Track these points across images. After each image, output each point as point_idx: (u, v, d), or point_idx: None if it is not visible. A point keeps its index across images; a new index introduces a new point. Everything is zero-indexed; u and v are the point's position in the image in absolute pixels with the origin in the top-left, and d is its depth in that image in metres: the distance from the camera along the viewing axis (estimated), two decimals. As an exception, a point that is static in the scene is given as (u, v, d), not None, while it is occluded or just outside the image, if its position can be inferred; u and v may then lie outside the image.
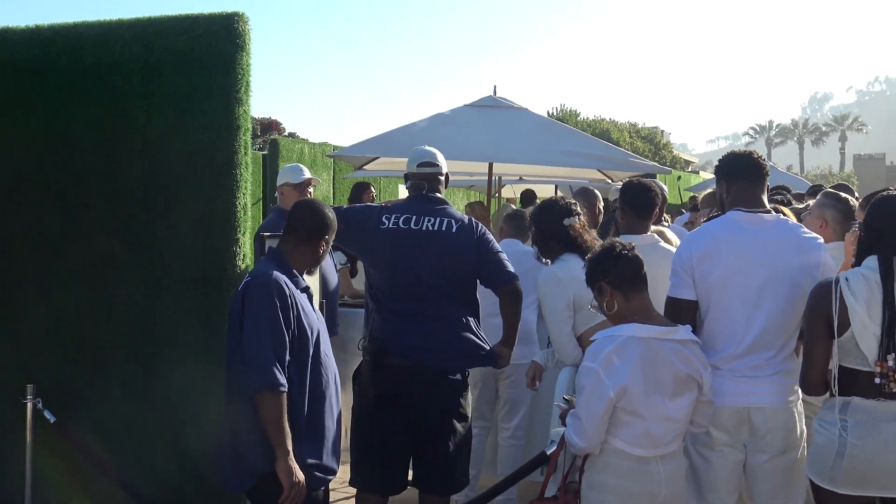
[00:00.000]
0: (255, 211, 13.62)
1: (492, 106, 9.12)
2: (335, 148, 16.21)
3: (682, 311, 3.91)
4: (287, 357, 3.68)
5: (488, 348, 4.79)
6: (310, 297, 3.96)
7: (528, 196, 14.53)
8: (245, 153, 4.66)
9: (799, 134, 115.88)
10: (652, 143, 50.31)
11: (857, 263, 3.62)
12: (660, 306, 4.54)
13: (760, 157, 4.11)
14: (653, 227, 5.41)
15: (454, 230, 4.75)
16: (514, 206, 14.67)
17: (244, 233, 4.68)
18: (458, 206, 20.49)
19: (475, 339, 4.77)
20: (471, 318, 4.80)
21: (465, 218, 4.88)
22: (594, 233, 4.79)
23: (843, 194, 5.45)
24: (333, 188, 16.70)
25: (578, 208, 4.76)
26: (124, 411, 4.78)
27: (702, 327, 3.94)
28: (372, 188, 8.85)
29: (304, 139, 15.42)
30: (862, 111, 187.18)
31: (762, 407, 3.83)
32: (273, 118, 30.84)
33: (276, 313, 3.65)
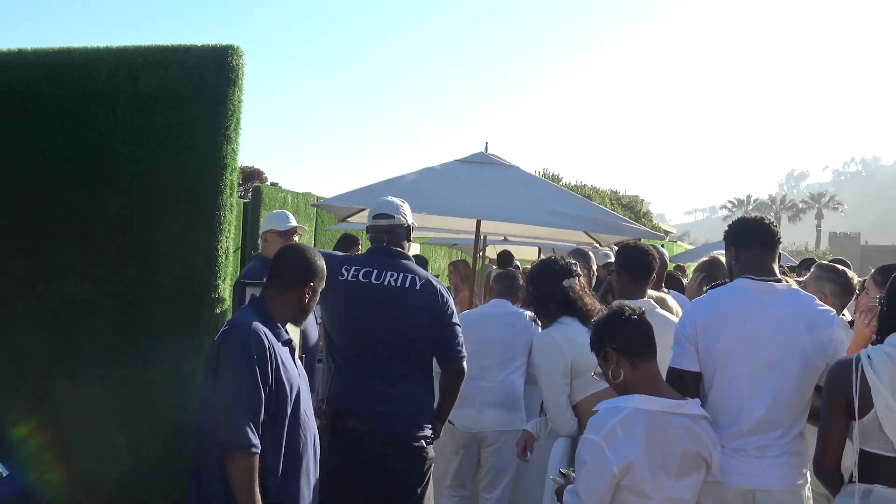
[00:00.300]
0: (234, 260, 13.34)
1: (482, 162, 8.96)
2: (319, 199, 15.99)
3: (685, 383, 3.66)
4: (262, 415, 3.39)
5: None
6: (292, 351, 3.68)
7: (505, 257, 14.27)
8: (231, 194, 4.42)
9: (776, 210, 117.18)
10: (632, 211, 50.48)
11: (879, 340, 3.39)
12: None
13: (772, 223, 3.90)
14: (653, 293, 5.21)
15: (417, 288, 4.55)
16: (495, 267, 14.45)
17: (224, 279, 4.41)
18: (439, 264, 20.29)
19: (430, 409, 4.62)
20: (428, 383, 4.64)
21: (430, 277, 4.69)
22: (594, 295, 4.54)
23: (841, 267, 5.27)
24: (315, 240, 16.41)
25: (578, 269, 4.53)
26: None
27: (705, 401, 3.70)
28: (360, 242, 8.62)
29: (287, 189, 15.15)
30: (837, 190, 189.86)
31: (769, 489, 3.56)
32: (255, 167, 30.65)
33: (253, 367, 3.37)
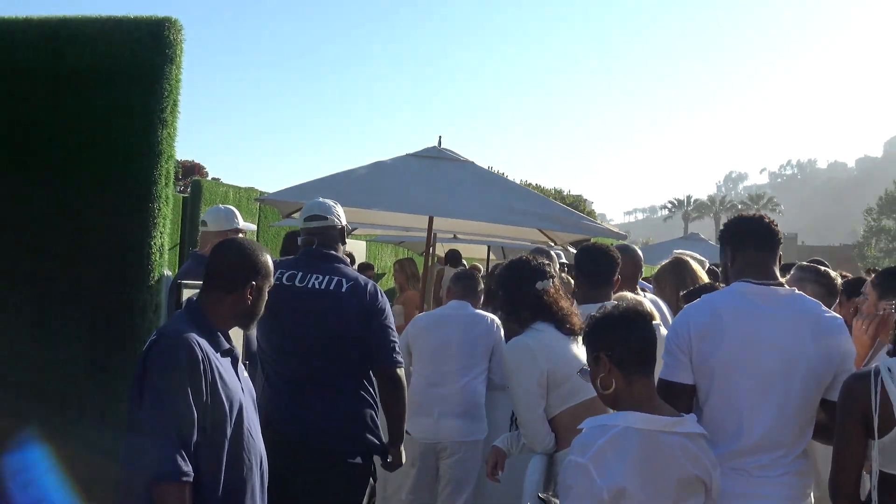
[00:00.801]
0: (171, 258, 12.73)
1: (436, 157, 8.57)
2: (263, 193, 15.42)
3: (677, 398, 3.28)
4: (195, 437, 2.93)
5: (381, 440, 4.35)
6: (234, 361, 3.23)
7: (453, 256, 13.89)
8: (166, 184, 3.95)
9: (716, 210, 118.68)
10: (576, 210, 50.45)
11: None
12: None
13: (773, 221, 3.55)
14: (629, 296, 4.85)
15: (343, 290, 4.28)
16: (447, 266, 14.05)
17: (158, 279, 3.94)
18: (386, 262, 19.82)
19: (370, 421, 4.29)
20: (366, 395, 4.29)
21: (362, 279, 4.40)
22: (569, 299, 4.16)
23: (824, 269, 4.96)
24: (258, 237, 15.82)
25: (552, 270, 4.15)
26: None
27: (699, 417, 3.33)
28: (307, 239, 8.16)
29: (228, 183, 14.58)
30: (774, 192, 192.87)
31: None
32: (195, 161, 29.82)
33: (184, 383, 2.91)
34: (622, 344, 2.99)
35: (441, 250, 15.34)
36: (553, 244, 10.42)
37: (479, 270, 13.33)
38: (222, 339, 3.14)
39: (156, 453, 2.85)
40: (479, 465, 5.60)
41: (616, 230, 8.38)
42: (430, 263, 9.30)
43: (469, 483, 5.56)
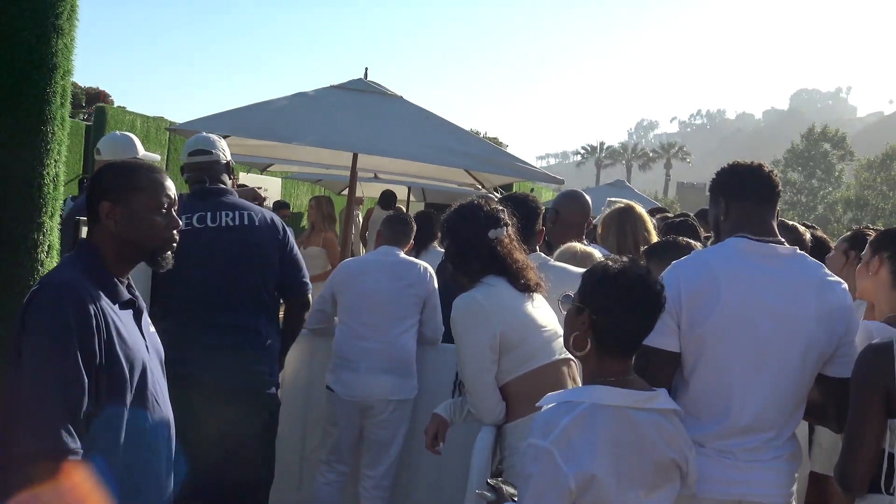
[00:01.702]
0: (70, 191, 11.89)
1: (362, 90, 8.03)
2: (171, 124, 14.58)
3: (660, 367, 2.90)
4: (84, 407, 2.42)
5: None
6: (137, 314, 2.70)
7: (387, 197, 13.37)
8: (62, 104, 3.36)
9: (628, 158, 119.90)
10: (493, 153, 49.99)
11: None
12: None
13: (773, 171, 3.16)
14: (579, 247, 4.46)
15: (257, 223, 4.33)
16: (372, 208, 13.54)
17: (52, 214, 3.37)
18: (302, 201, 19.15)
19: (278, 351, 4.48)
20: (276, 326, 4.46)
21: (262, 211, 4.47)
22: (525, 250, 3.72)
23: (791, 223, 4.64)
24: (167, 169, 15.02)
25: (507, 217, 3.70)
26: None
27: (684, 390, 2.96)
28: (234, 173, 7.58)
29: (135, 112, 13.69)
30: (684, 141, 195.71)
31: (759, 501, 2.88)
32: (100, 88, 28.36)
33: (71, 342, 2.38)
34: (614, 317, 2.55)
35: (360, 190, 14.79)
36: (481, 187, 10.01)
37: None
38: (121, 287, 2.61)
39: (35, 428, 2.34)
40: (406, 426, 5.20)
41: (553, 175, 7.98)
42: (353, 203, 8.77)
43: (395, 445, 5.16)
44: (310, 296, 4.57)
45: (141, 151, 5.35)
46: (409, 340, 5.19)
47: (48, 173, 3.31)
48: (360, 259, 5.59)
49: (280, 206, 10.80)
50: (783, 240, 3.07)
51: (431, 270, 5.39)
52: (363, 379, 5.07)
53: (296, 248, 4.51)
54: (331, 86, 8.04)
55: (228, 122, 7.38)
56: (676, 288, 2.92)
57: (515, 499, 2.61)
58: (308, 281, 4.55)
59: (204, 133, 4.67)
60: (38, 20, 3.25)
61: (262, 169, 12.81)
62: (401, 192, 15.29)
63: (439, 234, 5.30)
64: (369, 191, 13.91)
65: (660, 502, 2.57)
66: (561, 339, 3.50)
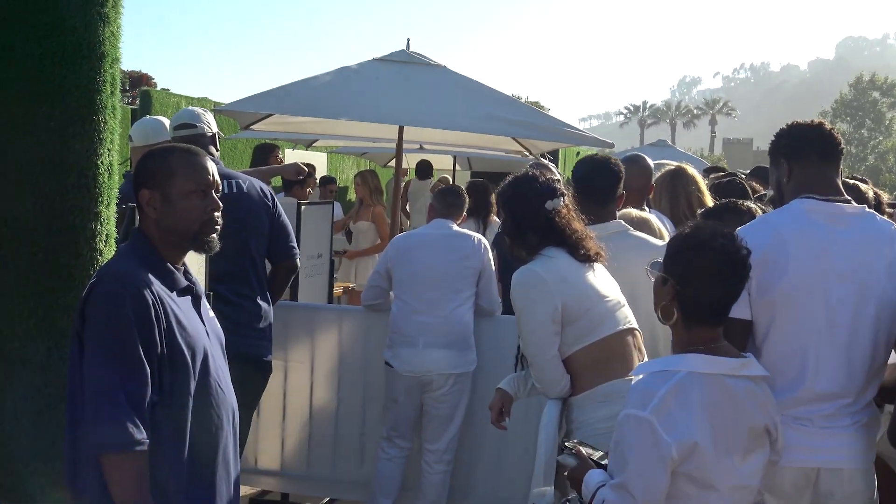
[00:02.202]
0: (119, 179, 11.93)
1: (405, 62, 7.94)
2: (216, 104, 14.59)
3: (731, 335, 2.82)
4: (147, 397, 2.42)
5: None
6: (196, 300, 2.68)
7: (424, 168, 13.29)
8: (112, 92, 3.34)
9: (671, 116, 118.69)
10: (535, 117, 49.62)
11: None
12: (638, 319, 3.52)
13: (833, 129, 3.05)
14: (634, 213, 4.37)
15: (245, 190, 4.47)
16: (410, 179, 13.47)
17: (108, 203, 3.36)
18: (347, 175, 19.11)
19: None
20: (266, 291, 4.60)
21: (251, 179, 4.61)
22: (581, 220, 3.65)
23: (852, 181, 4.49)
24: (213, 149, 15.08)
25: (562, 187, 3.63)
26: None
27: (757, 357, 2.88)
28: (278, 150, 7.58)
29: (180, 94, 13.73)
30: (728, 96, 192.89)
31: (839, 468, 2.81)
32: (142, 71, 28.55)
33: (131, 335, 2.38)
34: (697, 289, 2.50)
35: (405, 162, 14.73)
36: (528, 154, 9.91)
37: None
38: (178, 274, 2.59)
39: (102, 420, 2.34)
40: (467, 400, 5.17)
41: (602, 139, 7.86)
42: (400, 177, 8.72)
43: (456, 420, 5.14)
44: (297, 261, 4.72)
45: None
46: (466, 313, 5.15)
47: (102, 162, 3.30)
48: (414, 233, 5.54)
49: (327, 182, 10.74)
50: (850, 198, 2.97)
51: (486, 242, 5.34)
52: (422, 354, 5.05)
53: (284, 215, 4.65)
54: (373, 59, 7.95)
55: (273, 100, 7.36)
56: None
57: (598, 460, 2.62)
58: (295, 246, 4.72)
59: (189, 107, 4.82)
60: (84, 9, 3.23)
61: (308, 145, 12.79)
62: (446, 162, 15.20)
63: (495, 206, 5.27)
64: (414, 162, 13.83)
65: (753, 466, 2.56)
66: (624, 309, 3.45)
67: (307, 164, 6.68)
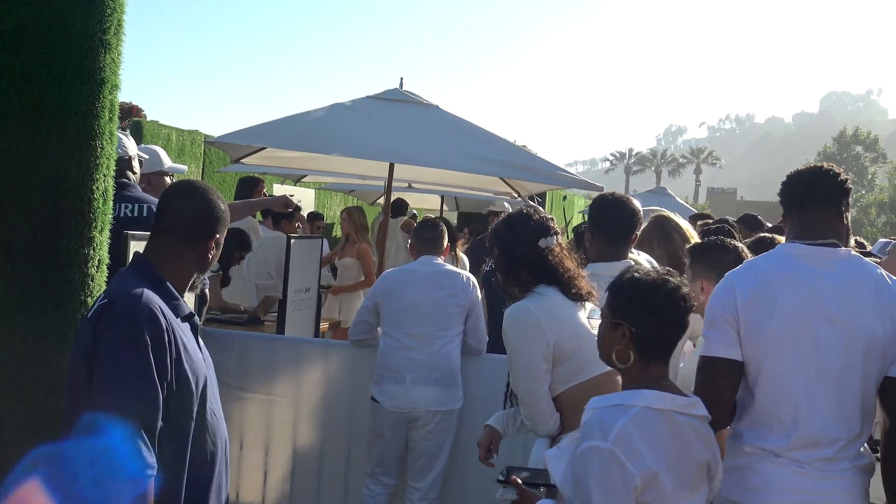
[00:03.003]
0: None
1: (398, 100, 8.00)
2: (207, 137, 14.62)
3: (723, 377, 2.87)
4: (159, 422, 2.43)
5: None
6: (194, 329, 2.71)
7: (398, 205, 13.31)
8: (111, 118, 3.34)
9: (657, 164, 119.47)
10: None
11: None
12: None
13: (834, 170, 3.09)
14: (632, 256, 4.40)
15: (145, 214, 4.40)
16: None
17: (101, 229, 3.35)
18: (335, 211, 19.13)
19: None
20: None
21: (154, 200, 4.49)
22: (576, 258, 3.68)
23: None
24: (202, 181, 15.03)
25: (556, 226, 3.66)
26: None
27: (750, 402, 2.90)
28: (263, 184, 7.60)
29: (170, 125, 13.75)
30: (713, 146, 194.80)
31: None
32: (132, 103, 28.61)
33: (146, 358, 2.39)
34: (653, 327, 2.58)
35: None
36: (517, 196, 9.97)
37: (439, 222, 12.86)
38: (182, 302, 2.62)
39: (115, 445, 2.34)
40: (453, 437, 5.16)
41: (592, 182, 7.91)
42: (388, 214, 8.75)
43: (442, 457, 5.12)
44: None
45: (167, 163, 5.35)
46: (454, 350, 5.16)
47: (97, 188, 3.30)
48: (402, 269, 5.55)
49: (315, 217, 10.76)
50: (836, 241, 3.00)
51: (474, 280, 5.36)
52: (409, 390, 5.04)
53: None
54: (367, 96, 8.02)
55: (266, 133, 7.39)
56: (732, 295, 2.92)
57: (531, 480, 2.78)
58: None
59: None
60: (86, 35, 3.24)
61: (296, 180, 12.83)
62: (434, 202, 15.26)
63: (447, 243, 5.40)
64: (413, 201, 13.86)
65: (698, 502, 2.59)
66: None
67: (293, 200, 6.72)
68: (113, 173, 3.43)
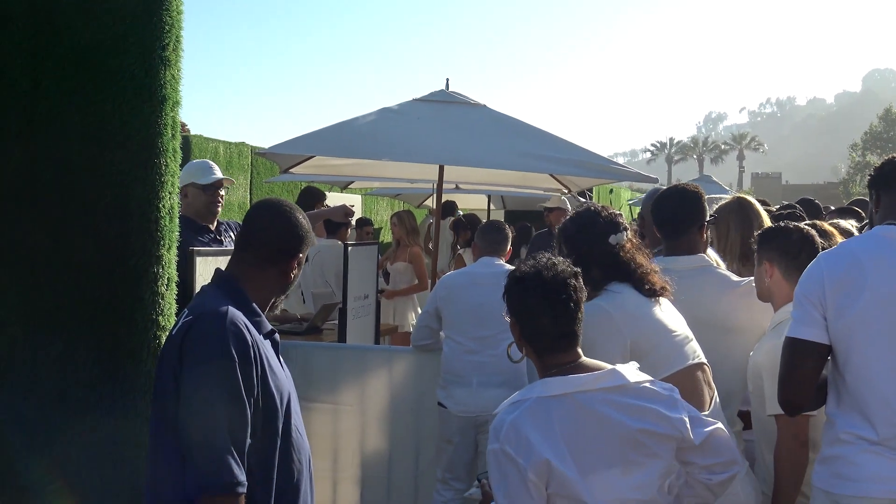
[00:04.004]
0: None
1: (445, 101, 7.94)
2: (254, 149, 14.69)
3: (806, 358, 2.82)
4: (248, 439, 2.41)
5: None
6: (275, 346, 2.69)
7: (448, 207, 13.27)
8: (174, 136, 3.33)
9: (699, 151, 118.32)
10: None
11: None
12: (717, 352, 3.47)
13: None
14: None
15: None
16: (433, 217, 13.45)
17: (170, 247, 3.34)
18: (382, 216, 19.19)
19: None
20: None
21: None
22: (648, 254, 3.60)
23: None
24: (251, 194, 15.10)
25: (625, 221, 3.58)
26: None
27: (843, 386, 2.83)
28: (325, 197, 7.60)
29: (218, 139, 13.84)
30: (754, 131, 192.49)
31: None
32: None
33: (234, 374, 2.38)
34: (533, 322, 2.66)
35: (431, 202, 14.69)
36: (567, 191, 9.87)
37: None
38: (264, 318, 2.60)
39: (207, 461, 2.34)
40: (523, 438, 5.09)
41: (647, 174, 7.80)
42: (439, 216, 8.71)
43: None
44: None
45: (218, 174, 5.30)
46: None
47: (164, 206, 3.29)
48: (463, 272, 5.50)
49: (363, 224, 10.77)
50: None
51: (535, 279, 5.30)
52: (476, 393, 4.99)
53: None
54: (413, 99, 7.98)
55: (315, 142, 7.38)
56: (820, 278, 2.88)
57: None
58: None
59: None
60: (145, 53, 3.23)
61: (343, 187, 12.86)
62: (481, 202, 15.20)
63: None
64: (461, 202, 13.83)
65: (642, 478, 2.54)
66: (693, 343, 3.38)
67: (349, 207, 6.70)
68: (177, 190, 3.41)
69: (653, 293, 3.43)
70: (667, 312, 3.44)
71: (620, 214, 3.60)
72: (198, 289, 4.02)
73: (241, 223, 4.90)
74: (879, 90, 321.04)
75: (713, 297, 3.79)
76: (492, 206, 15.51)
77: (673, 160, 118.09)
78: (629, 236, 3.51)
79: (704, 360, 3.39)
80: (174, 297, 3.37)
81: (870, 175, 3.16)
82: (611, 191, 21.20)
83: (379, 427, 5.51)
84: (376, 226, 17.24)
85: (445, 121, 7.63)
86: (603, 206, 3.67)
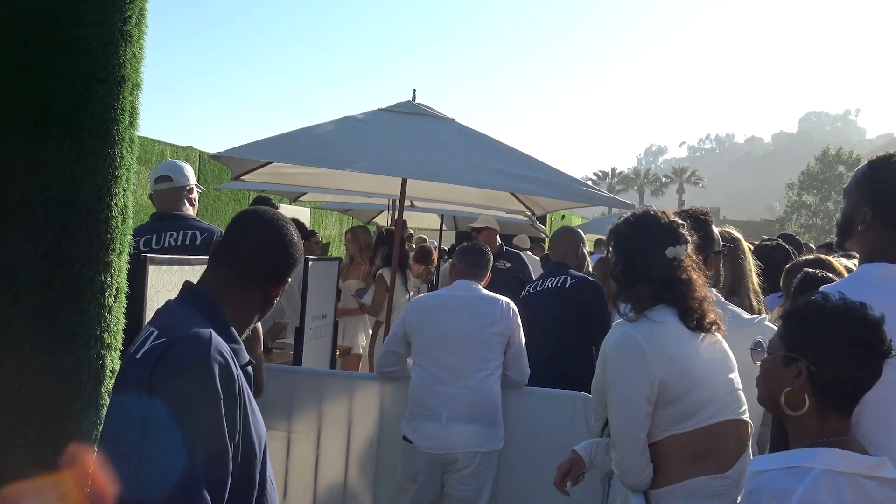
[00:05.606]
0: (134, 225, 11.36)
1: (412, 112, 7.53)
2: (202, 154, 14.08)
3: None
4: (228, 486, 1.99)
5: None
6: (248, 378, 2.23)
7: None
8: (132, 123, 2.86)
9: (640, 183, 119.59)
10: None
11: None
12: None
13: None
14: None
15: (198, 242, 4.36)
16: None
17: (120, 252, 2.87)
18: (329, 231, 18.65)
19: None
20: None
21: (211, 227, 4.56)
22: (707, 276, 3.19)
23: None
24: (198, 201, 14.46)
25: (686, 231, 3.16)
26: None
27: (857, 430, 2.48)
28: (276, 205, 7.12)
29: (165, 142, 13.15)
30: (694, 165, 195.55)
31: None
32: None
33: (219, 414, 1.95)
34: (841, 372, 2.11)
35: (383, 219, 14.23)
36: (530, 214, 9.52)
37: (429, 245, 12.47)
38: (243, 348, 2.15)
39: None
40: (492, 481, 4.67)
41: (623, 200, 7.46)
42: (401, 231, 8.27)
43: (481, 503, 4.62)
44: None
45: (192, 178, 4.93)
46: (494, 384, 4.67)
47: (116, 203, 2.81)
48: (436, 294, 5.08)
49: (309, 235, 10.29)
50: None
51: (514, 306, 4.88)
52: (445, 429, 4.56)
53: None
54: (379, 109, 7.55)
55: (275, 148, 6.90)
56: None
57: None
58: None
59: (170, 159, 4.82)
60: (104, 25, 2.76)
61: (293, 199, 12.34)
62: (433, 221, 14.78)
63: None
64: (395, 219, 13.39)
65: None
66: (737, 394, 2.97)
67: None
68: (132, 187, 2.94)
69: (700, 327, 3.01)
70: (711, 353, 3.00)
71: (683, 224, 3.15)
72: (149, 302, 3.56)
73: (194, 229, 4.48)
74: (815, 132, 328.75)
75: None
76: (444, 227, 15.10)
77: (615, 190, 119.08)
78: (689, 251, 3.09)
79: (742, 417, 2.99)
80: (122, 310, 2.89)
81: (865, 177, 2.72)
82: (563, 216, 20.96)
83: (335, 459, 5.06)
84: (324, 241, 16.73)
85: (412, 132, 7.22)
86: (664, 212, 3.23)
